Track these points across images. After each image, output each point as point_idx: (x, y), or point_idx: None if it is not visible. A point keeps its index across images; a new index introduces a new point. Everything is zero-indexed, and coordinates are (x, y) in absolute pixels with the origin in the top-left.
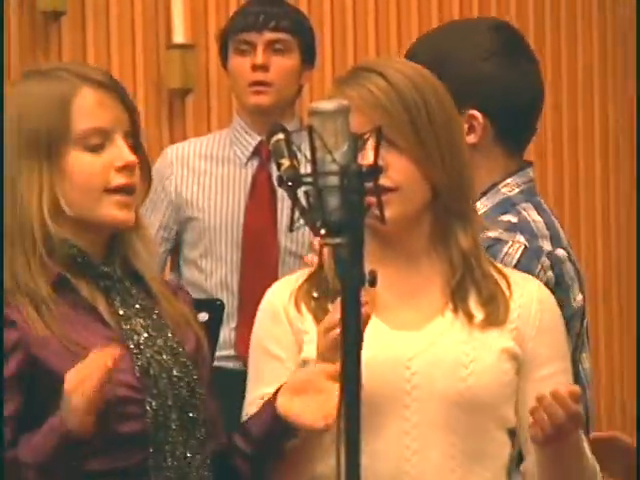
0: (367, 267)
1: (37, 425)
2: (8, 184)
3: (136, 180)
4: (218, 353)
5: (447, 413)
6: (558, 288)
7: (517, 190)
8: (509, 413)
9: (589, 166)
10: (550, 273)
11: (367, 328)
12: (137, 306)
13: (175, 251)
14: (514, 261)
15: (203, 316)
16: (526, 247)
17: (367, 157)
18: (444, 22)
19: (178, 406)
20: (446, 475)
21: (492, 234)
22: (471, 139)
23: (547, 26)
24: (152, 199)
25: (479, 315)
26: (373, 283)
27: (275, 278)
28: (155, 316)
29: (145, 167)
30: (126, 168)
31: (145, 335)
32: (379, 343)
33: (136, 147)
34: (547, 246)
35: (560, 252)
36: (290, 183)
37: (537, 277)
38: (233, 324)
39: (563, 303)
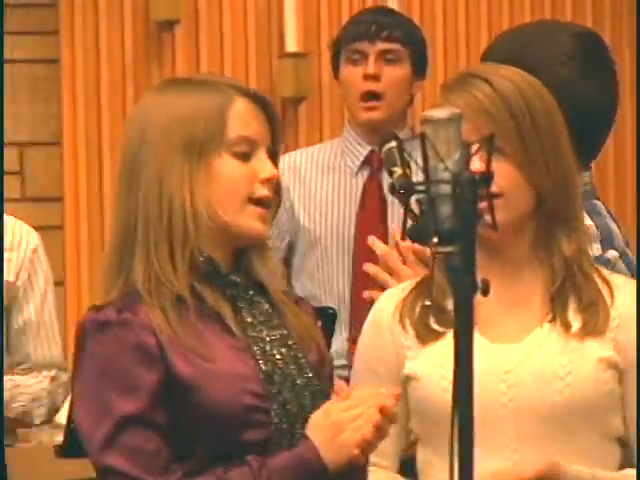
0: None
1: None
2: (155, 183)
3: (273, 195)
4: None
5: (546, 425)
6: None
7: None
8: (615, 422)
9: None
10: None
11: None
12: (261, 316)
13: (286, 261)
14: None
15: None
16: None
17: (474, 164)
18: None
19: (302, 415)
20: None
21: None
22: None
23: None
24: None
25: (577, 324)
26: (485, 292)
27: (387, 287)
28: (278, 326)
29: (278, 183)
30: (269, 181)
31: (270, 344)
32: (477, 357)
33: (275, 163)
34: (596, 251)
35: (610, 254)
36: (402, 191)
37: None
38: (346, 334)
39: None
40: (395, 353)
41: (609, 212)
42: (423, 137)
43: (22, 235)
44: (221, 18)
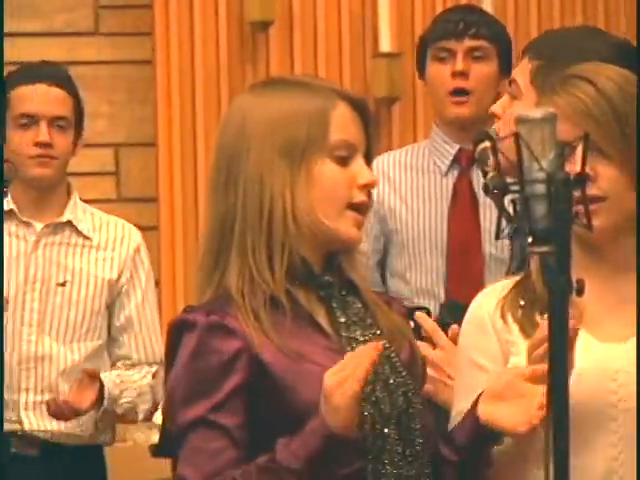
0: (574, 276)
1: (264, 437)
2: (255, 185)
3: (372, 200)
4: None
5: None
6: None
7: None
8: None
9: None
10: None
11: (575, 340)
12: (355, 316)
13: (382, 263)
14: None
15: (410, 323)
16: None
17: (575, 165)
18: None
19: (395, 415)
20: None
21: None
22: None
23: None
24: None
25: None
26: (580, 292)
27: (481, 286)
28: (371, 326)
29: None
30: (367, 187)
31: (363, 344)
32: (587, 356)
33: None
34: None
35: None
36: (496, 191)
37: None
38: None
39: None
40: (500, 348)
41: None
42: (517, 137)
43: (124, 234)
44: (315, 18)
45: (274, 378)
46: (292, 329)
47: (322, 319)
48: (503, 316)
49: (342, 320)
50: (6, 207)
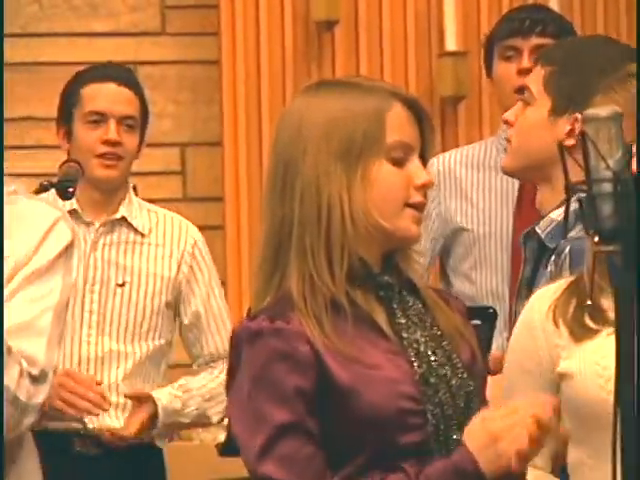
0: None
1: (327, 441)
2: (312, 187)
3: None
4: None
5: None
6: None
7: None
8: None
9: None
10: None
11: None
12: (415, 317)
13: (441, 263)
14: None
15: (475, 324)
16: None
17: None
18: None
19: (456, 416)
20: None
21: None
22: (570, 141)
23: None
24: None
25: None
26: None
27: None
28: (431, 326)
29: None
30: (424, 187)
31: (424, 345)
32: None
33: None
34: None
35: None
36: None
37: None
38: (506, 333)
39: None
40: (549, 353)
41: None
42: (584, 135)
43: (181, 230)
44: (380, 17)
45: (336, 382)
46: (353, 332)
47: (382, 320)
48: (555, 320)
49: (402, 321)
50: (69, 207)
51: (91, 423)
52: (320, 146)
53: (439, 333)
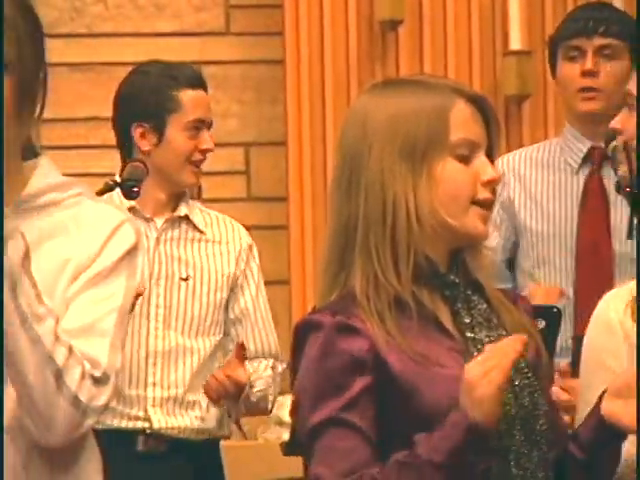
0: None
1: (388, 438)
2: (377, 186)
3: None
4: (556, 360)
5: None
6: None
7: None
8: None
9: None
10: None
11: None
12: (480, 317)
13: (511, 262)
14: None
15: (540, 323)
16: None
17: None
18: None
19: (521, 416)
20: None
21: None
22: None
23: None
24: None
25: None
26: None
27: (611, 284)
28: (497, 326)
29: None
30: (491, 183)
31: (489, 344)
32: None
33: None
34: None
35: None
36: (628, 189)
37: None
38: (570, 332)
39: None
40: (629, 349)
41: None
42: None
43: (235, 229)
44: (445, 17)
45: (399, 380)
46: (417, 330)
47: (446, 320)
48: (633, 316)
49: (467, 321)
50: (128, 205)
51: (157, 422)
52: (384, 145)
53: (504, 333)
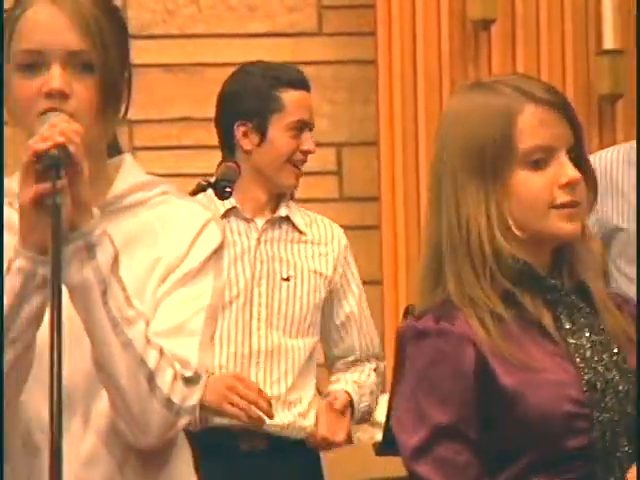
0: None
1: (493, 444)
2: (453, 208)
3: (580, 195)
4: None
5: None
6: None
7: None
8: None
9: None
10: None
11: None
12: (582, 320)
13: None
14: None
15: None
16: None
17: None
18: None
19: (624, 422)
20: None
21: None
22: None
23: None
24: None
25: None
26: None
27: None
28: (600, 331)
29: (591, 181)
30: (569, 185)
31: (590, 350)
32: None
33: (579, 162)
34: None
35: None
36: None
37: None
38: None
39: None
40: None
41: None
42: None
43: (333, 231)
44: (538, 16)
45: (501, 385)
46: (519, 335)
47: (549, 324)
48: None
49: (567, 327)
50: (229, 205)
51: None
52: (455, 162)
53: (607, 337)
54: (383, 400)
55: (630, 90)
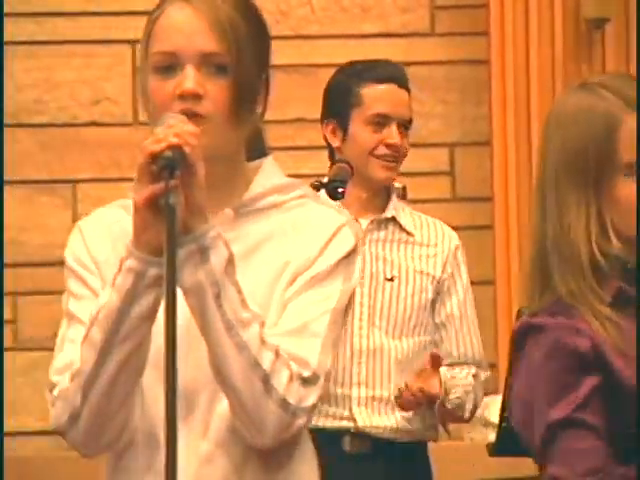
0: None
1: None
2: (556, 218)
3: None
4: None
5: None
6: None
7: None
8: None
9: None
10: None
11: None
12: None
13: None
14: None
15: None
16: None
17: None
18: None
19: None
20: None
21: None
22: None
23: None
24: None
25: None
26: None
27: None
28: None
29: None
30: None
31: None
32: None
33: None
34: None
35: None
36: None
37: None
38: None
39: None
40: None
41: None
42: None
43: (444, 232)
44: None
45: (620, 379)
46: (631, 331)
47: None
48: None
49: None
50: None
51: (362, 422)
52: (558, 172)
53: None
54: (496, 401)
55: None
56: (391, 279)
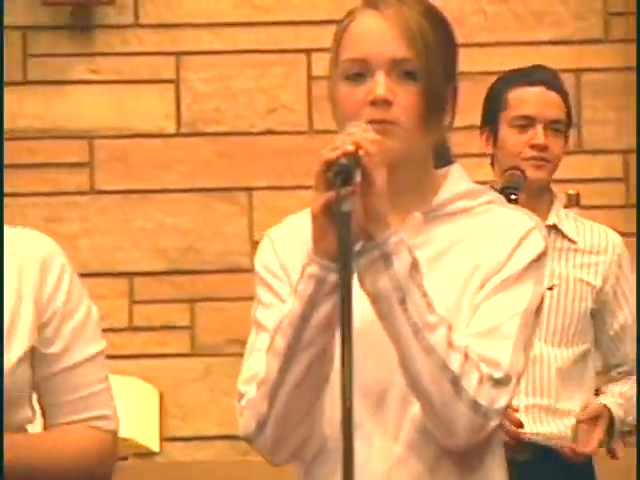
0: None
1: None
2: None
3: None
4: None
5: None
6: None
7: None
8: None
9: None
10: None
11: None
12: None
13: None
14: None
15: None
16: None
17: None
18: None
19: None
20: None
21: None
22: None
23: None
24: None
25: None
26: None
27: None
28: None
29: None
30: None
31: None
32: None
33: None
34: None
35: None
36: None
37: None
38: None
39: None
40: None
41: None
42: None
43: (608, 239)
44: None
45: None
46: None
47: None
48: None
49: None
50: None
51: (525, 429)
52: None
53: None
54: None
55: None
56: (551, 288)
